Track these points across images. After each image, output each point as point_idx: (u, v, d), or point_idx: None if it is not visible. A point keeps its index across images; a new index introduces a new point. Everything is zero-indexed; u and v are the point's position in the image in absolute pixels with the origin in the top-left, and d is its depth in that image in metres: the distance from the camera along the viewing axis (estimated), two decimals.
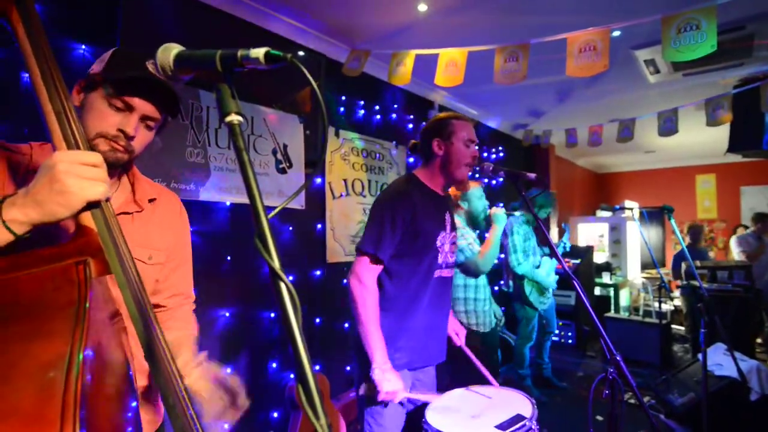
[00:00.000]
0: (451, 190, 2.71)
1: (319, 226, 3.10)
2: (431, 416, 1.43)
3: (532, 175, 1.73)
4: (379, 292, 1.61)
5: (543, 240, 3.82)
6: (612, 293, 6.01)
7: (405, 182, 1.71)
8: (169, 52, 0.61)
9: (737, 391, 2.79)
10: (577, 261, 5.37)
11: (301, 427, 2.42)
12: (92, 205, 0.67)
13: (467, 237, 2.51)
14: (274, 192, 2.73)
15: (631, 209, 3.06)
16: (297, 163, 2.88)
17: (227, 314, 2.47)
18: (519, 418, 1.37)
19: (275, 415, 2.65)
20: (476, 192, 2.67)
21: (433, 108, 4.28)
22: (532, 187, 3.87)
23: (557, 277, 3.69)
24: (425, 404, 1.54)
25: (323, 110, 0.63)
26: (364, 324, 1.53)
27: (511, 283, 3.77)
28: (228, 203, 2.48)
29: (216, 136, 2.45)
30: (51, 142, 0.71)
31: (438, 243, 1.67)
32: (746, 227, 5.84)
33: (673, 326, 5.42)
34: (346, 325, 3.12)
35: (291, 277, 2.87)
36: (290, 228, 2.85)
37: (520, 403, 1.49)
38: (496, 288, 4.68)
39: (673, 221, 2.51)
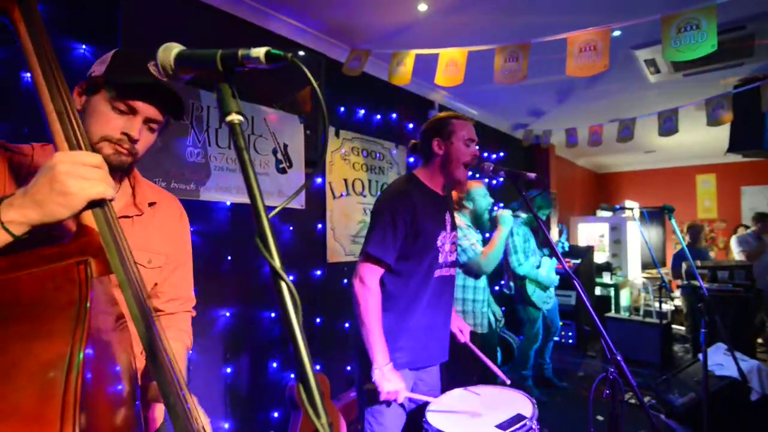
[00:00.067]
0: (454, 192, 2.71)
1: (320, 225, 3.10)
2: (432, 416, 1.43)
3: (533, 175, 1.73)
4: (381, 292, 1.61)
5: (543, 240, 3.82)
6: (612, 293, 6.01)
7: (405, 182, 1.72)
8: (170, 51, 0.61)
9: (738, 391, 2.79)
10: (578, 261, 5.37)
11: (302, 427, 2.42)
12: (93, 204, 0.67)
13: (470, 237, 2.50)
14: (274, 192, 2.73)
15: (632, 209, 3.06)
16: (297, 163, 2.88)
17: (227, 314, 2.47)
18: (519, 417, 1.37)
19: (275, 414, 2.65)
20: (480, 191, 2.67)
21: (434, 108, 4.28)
22: (532, 188, 3.87)
23: (558, 277, 3.69)
24: (426, 404, 1.54)
25: (324, 110, 0.63)
26: (366, 325, 1.54)
27: (512, 284, 3.77)
28: (228, 203, 2.49)
29: (216, 136, 2.46)
30: (52, 142, 0.70)
31: (438, 243, 1.68)
32: (747, 227, 5.83)
33: (674, 326, 5.42)
34: (347, 324, 3.12)
35: (291, 277, 2.88)
36: (290, 228, 2.85)
37: (520, 403, 1.49)
38: (497, 288, 4.68)
39: (673, 221, 2.51)
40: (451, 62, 2.72)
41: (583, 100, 4.60)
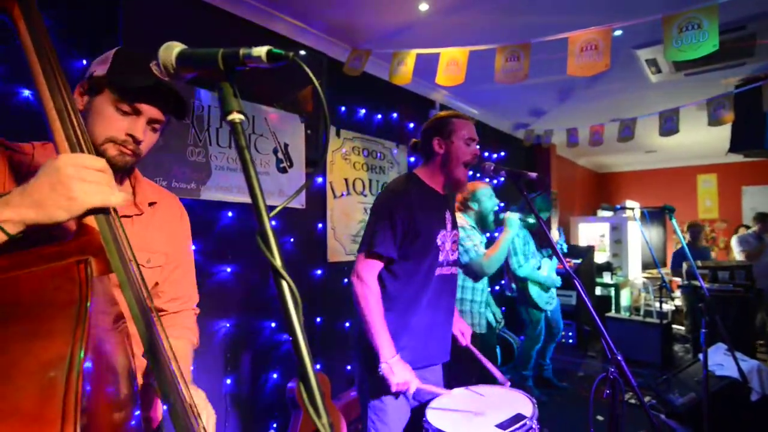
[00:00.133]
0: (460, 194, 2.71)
1: (320, 225, 3.10)
2: (432, 415, 1.43)
3: (534, 175, 1.73)
4: (381, 292, 1.61)
5: (545, 241, 3.82)
6: (613, 293, 6.01)
7: (404, 181, 1.72)
8: (171, 50, 0.61)
9: (738, 391, 2.79)
10: (578, 261, 5.37)
11: (302, 426, 2.42)
12: (95, 211, 0.67)
13: (473, 238, 2.49)
14: (274, 191, 2.73)
15: (632, 209, 3.06)
16: (298, 163, 2.88)
17: (227, 324, 2.47)
18: (519, 417, 1.37)
19: (275, 425, 2.66)
20: (486, 192, 2.66)
21: (434, 107, 4.28)
22: (533, 188, 3.87)
23: (559, 278, 3.69)
24: (426, 403, 1.54)
25: (325, 109, 0.63)
26: (368, 321, 1.54)
27: (513, 286, 3.77)
28: (230, 214, 2.49)
29: (217, 136, 2.46)
30: (53, 140, 0.70)
31: (438, 241, 1.67)
32: (748, 227, 5.83)
33: (674, 326, 5.42)
34: (347, 324, 3.12)
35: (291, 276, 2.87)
36: (291, 227, 2.85)
37: (520, 403, 1.49)
38: (497, 288, 4.68)
39: (674, 221, 2.51)
40: (452, 62, 2.71)
41: (584, 100, 4.59)
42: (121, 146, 0.90)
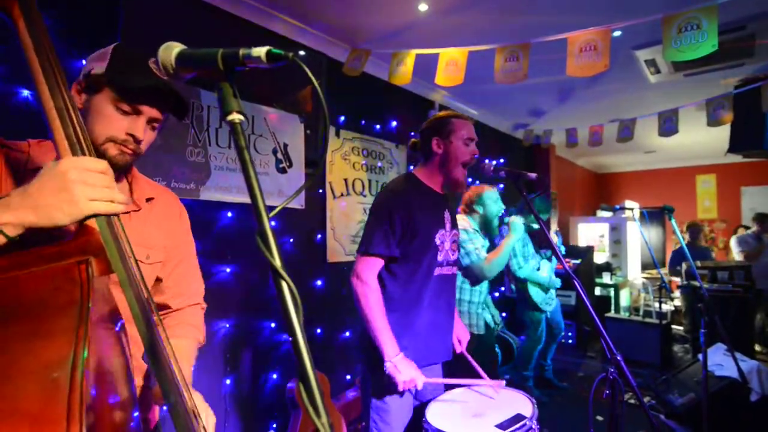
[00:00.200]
0: (467, 195, 2.70)
1: (320, 225, 3.10)
2: (432, 415, 1.43)
3: (533, 175, 1.73)
4: (381, 293, 1.61)
5: (545, 241, 3.82)
6: (612, 293, 6.01)
7: (403, 181, 1.72)
8: (171, 50, 0.61)
9: (737, 391, 2.79)
10: (578, 261, 5.37)
11: (301, 426, 2.42)
12: (97, 215, 0.68)
13: (476, 242, 2.49)
14: (274, 192, 2.73)
15: (632, 209, 3.06)
16: (297, 163, 2.88)
17: (227, 325, 2.47)
18: (519, 417, 1.37)
19: (275, 425, 2.66)
20: (492, 195, 2.65)
21: (434, 107, 4.28)
22: (532, 188, 3.86)
23: (558, 279, 3.69)
24: (426, 403, 1.54)
25: (324, 109, 0.63)
26: (370, 320, 1.54)
27: (513, 287, 3.77)
28: (229, 214, 2.49)
29: (216, 136, 2.46)
30: (52, 140, 0.70)
31: (437, 241, 1.68)
32: (747, 228, 5.83)
33: (674, 326, 5.42)
34: (346, 325, 3.12)
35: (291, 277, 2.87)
36: (290, 227, 2.85)
37: (520, 403, 1.49)
38: (497, 294, 4.68)
39: (673, 221, 2.51)
40: (451, 62, 2.72)
41: (584, 100, 4.60)
42: (122, 146, 0.90)
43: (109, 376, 0.71)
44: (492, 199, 2.65)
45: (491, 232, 2.69)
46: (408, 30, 3.02)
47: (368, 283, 1.57)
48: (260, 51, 0.56)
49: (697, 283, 2.47)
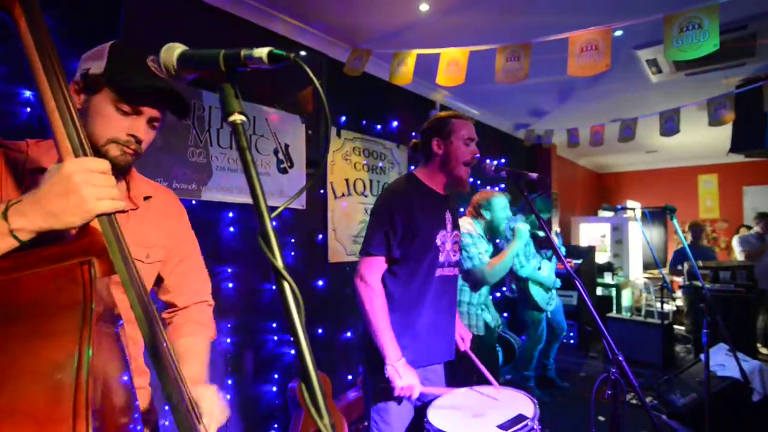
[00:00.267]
0: (475, 198, 2.70)
1: (321, 225, 3.10)
2: (433, 416, 1.43)
3: (534, 175, 1.72)
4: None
5: (546, 241, 3.82)
6: (614, 293, 6.00)
7: (403, 182, 1.72)
8: (173, 51, 0.61)
9: (740, 391, 2.79)
10: (579, 261, 5.37)
11: (303, 426, 2.42)
12: (102, 215, 0.69)
13: (479, 246, 2.48)
14: (275, 192, 2.73)
15: (633, 209, 3.06)
16: (298, 163, 2.88)
17: (228, 325, 2.46)
18: (521, 418, 1.37)
19: (276, 425, 2.66)
20: (501, 202, 2.64)
21: (435, 107, 4.28)
22: (534, 188, 3.86)
23: (558, 279, 3.69)
24: (428, 403, 1.54)
25: (326, 110, 0.63)
26: (373, 323, 1.54)
27: (514, 287, 3.77)
28: (230, 214, 2.48)
29: (218, 136, 2.46)
30: (54, 139, 0.70)
31: (438, 241, 1.67)
32: (749, 227, 5.82)
33: (675, 326, 5.41)
34: (348, 325, 3.12)
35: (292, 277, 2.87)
36: (292, 228, 2.85)
37: (522, 403, 1.49)
38: (498, 294, 4.67)
39: (675, 221, 2.51)
40: (452, 62, 2.72)
41: (585, 100, 4.59)
42: (124, 146, 0.90)
43: (111, 377, 0.71)
44: (500, 206, 2.63)
45: (497, 237, 2.67)
46: (409, 30, 3.01)
47: (372, 285, 1.57)
48: (262, 52, 0.56)
49: (699, 283, 2.46)
